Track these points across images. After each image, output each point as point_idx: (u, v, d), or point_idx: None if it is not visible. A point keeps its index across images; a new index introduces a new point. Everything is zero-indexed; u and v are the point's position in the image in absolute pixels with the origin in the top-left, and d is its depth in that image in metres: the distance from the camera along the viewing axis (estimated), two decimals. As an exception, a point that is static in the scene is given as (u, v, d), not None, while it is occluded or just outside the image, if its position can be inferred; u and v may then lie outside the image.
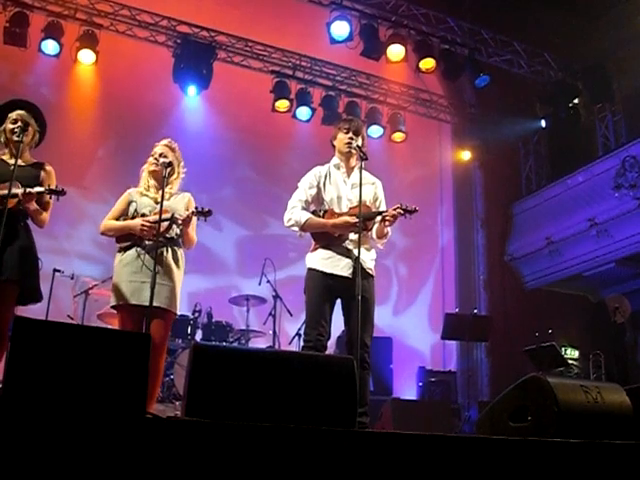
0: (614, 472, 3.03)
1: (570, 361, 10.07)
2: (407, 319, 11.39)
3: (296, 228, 4.86)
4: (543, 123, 11.69)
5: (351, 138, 4.95)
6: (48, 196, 4.66)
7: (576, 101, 11.13)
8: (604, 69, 10.91)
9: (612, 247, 10.37)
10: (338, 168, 5.05)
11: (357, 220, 4.63)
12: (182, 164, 5.13)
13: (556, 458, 2.92)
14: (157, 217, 4.70)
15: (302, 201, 4.92)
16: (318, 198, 4.96)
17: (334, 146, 5.12)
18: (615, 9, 11.37)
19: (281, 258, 9.52)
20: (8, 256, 4.43)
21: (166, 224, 4.76)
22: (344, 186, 4.97)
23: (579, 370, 10.37)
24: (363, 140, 5.06)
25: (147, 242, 4.75)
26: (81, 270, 8.49)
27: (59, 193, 4.61)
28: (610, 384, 3.81)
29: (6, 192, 4.41)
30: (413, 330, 11.28)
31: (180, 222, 4.79)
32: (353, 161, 5.03)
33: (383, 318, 9.65)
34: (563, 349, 10.13)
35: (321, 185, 4.97)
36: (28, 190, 4.47)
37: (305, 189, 4.96)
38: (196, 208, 4.83)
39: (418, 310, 11.69)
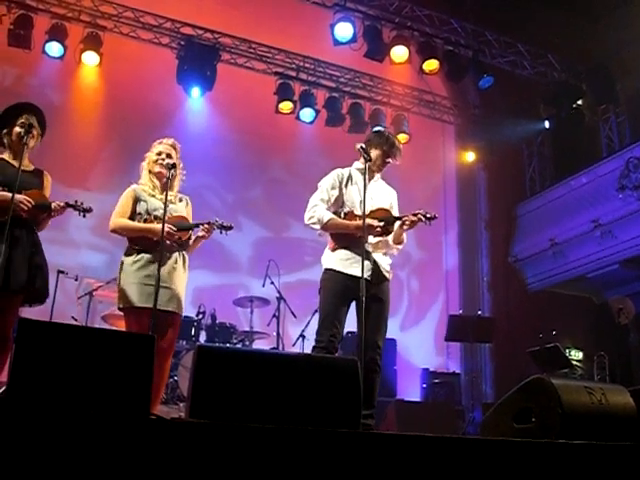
0: (618, 474, 3.03)
1: (574, 362, 10.05)
2: (413, 336, 11.25)
3: (317, 226, 4.86)
4: (547, 124, 11.66)
5: (387, 162, 5.07)
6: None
7: (580, 102, 11.11)
8: (608, 70, 10.89)
9: (616, 248, 10.34)
10: (362, 173, 5.04)
11: (380, 223, 4.72)
12: (182, 165, 5.11)
13: (560, 459, 2.92)
14: (184, 224, 4.77)
15: (324, 200, 4.92)
16: (338, 200, 4.96)
17: (363, 151, 4.92)
18: (618, 10, 11.35)
19: (296, 261, 9.53)
20: (36, 268, 4.53)
21: (190, 232, 4.83)
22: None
23: (583, 371, 10.35)
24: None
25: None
26: (86, 270, 8.51)
27: (86, 211, 4.71)
28: (614, 385, 3.81)
29: (43, 202, 4.54)
30: (418, 349, 11.20)
31: (204, 233, 4.82)
32: (375, 174, 5.11)
33: (390, 332, 9.64)
34: (567, 350, 10.11)
35: (343, 187, 4.98)
36: (62, 204, 4.57)
37: (327, 189, 4.96)
38: (217, 221, 4.85)
39: (426, 327, 11.62)
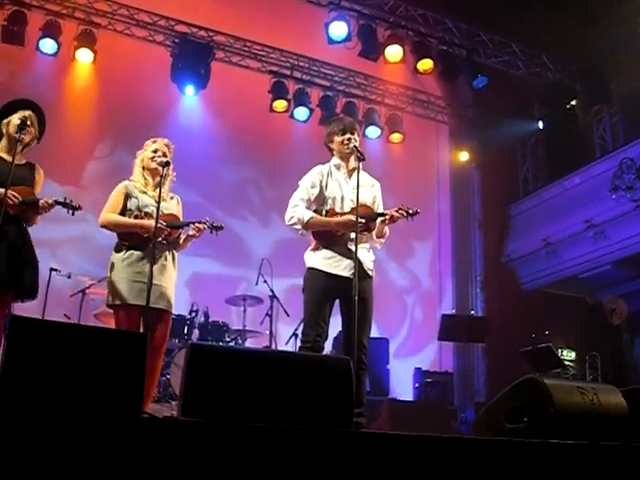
0: (610, 474, 3.03)
1: (566, 362, 10.08)
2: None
3: (298, 226, 4.83)
4: (540, 124, 11.66)
5: (349, 138, 4.96)
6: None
7: (574, 102, 11.12)
8: (602, 71, 10.91)
9: (609, 249, 10.37)
10: (339, 168, 5.02)
11: (360, 219, 4.63)
12: (172, 167, 5.10)
13: (552, 459, 2.92)
14: (174, 222, 4.76)
15: (304, 200, 4.88)
16: (319, 197, 4.92)
17: (331, 149, 5.10)
18: (613, 10, 11.37)
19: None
20: (24, 263, 4.48)
21: (180, 231, 4.83)
22: (346, 186, 4.94)
23: (575, 371, 10.38)
24: (358, 136, 5.07)
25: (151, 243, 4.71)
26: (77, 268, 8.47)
27: (75, 209, 4.67)
28: (606, 385, 3.82)
29: (31, 199, 4.49)
30: (411, 348, 11.21)
31: (196, 233, 4.81)
32: (352, 162, 5.01)
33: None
34: (559, 350, 10.14)
35: (323, 184, 4.93)
36: (51, 202, 4.52)
37: (307, 188, 4.92)
38: (207, 221, 4.85)
39: (420, 328, 11.58)
